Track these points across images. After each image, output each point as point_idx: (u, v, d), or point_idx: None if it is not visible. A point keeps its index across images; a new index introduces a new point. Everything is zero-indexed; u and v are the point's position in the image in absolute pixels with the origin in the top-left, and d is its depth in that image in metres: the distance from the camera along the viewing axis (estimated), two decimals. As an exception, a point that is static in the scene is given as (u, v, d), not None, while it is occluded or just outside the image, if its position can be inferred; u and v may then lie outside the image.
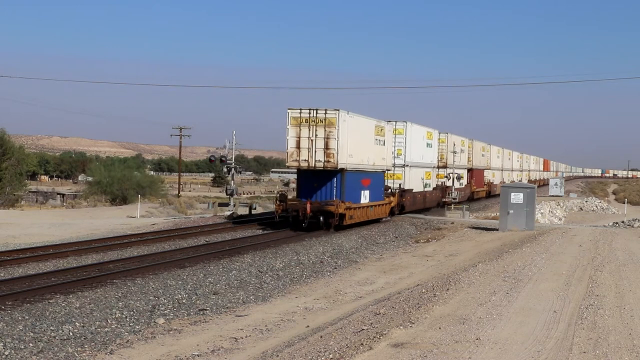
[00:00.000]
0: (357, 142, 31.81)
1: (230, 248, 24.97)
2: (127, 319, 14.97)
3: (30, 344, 12.78)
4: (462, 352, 10.23)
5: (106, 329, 14.17)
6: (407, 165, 40.46)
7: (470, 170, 59.58)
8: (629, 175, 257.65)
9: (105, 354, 12.74)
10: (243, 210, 40.59)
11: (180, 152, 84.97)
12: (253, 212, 39.91)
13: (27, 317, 14.20)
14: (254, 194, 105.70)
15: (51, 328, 13.69)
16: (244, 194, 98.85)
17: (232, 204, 39.33)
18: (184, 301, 17.00)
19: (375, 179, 35.20)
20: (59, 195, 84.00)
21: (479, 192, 64.93)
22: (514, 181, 77.19)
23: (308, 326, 14.50)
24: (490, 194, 68.56)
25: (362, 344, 10.93)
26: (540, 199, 57.24)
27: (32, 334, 13.27)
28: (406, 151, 40.22)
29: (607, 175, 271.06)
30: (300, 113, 30.33)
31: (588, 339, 11.13)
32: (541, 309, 13.31)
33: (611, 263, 20.10)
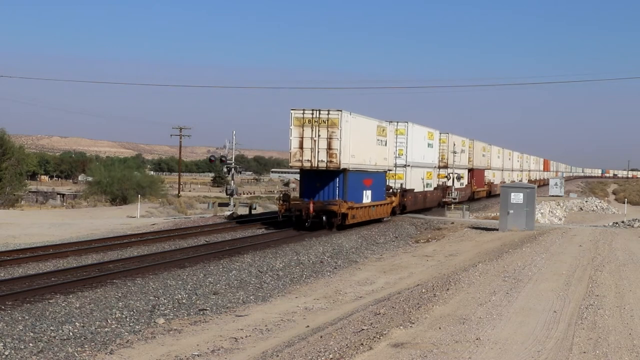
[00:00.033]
0: (359, 143, 32.02)
1: (230, 248, 24.97)
2: (127, 319, 14.97)
3: (30, 344, 12.78)
4: (462, 352, 10.23)
5: (106, 329, 14.17)
6: (409, 165, 40.62)
7: (471, 170, 59.73)
8: (629, 175, 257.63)
9: (105, 354, 12.74)
10: (243, 210, 40.63)
11: (180, 152, 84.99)
12: (253, 212, 39.95)
13: (27, 317, 14.20)
14: (254, 194, 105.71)
15: (51, 328, 13.69)
16: (244, 194, 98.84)
17: (232, 204, 39.34)
18: (184, 301, 17.00)
19: (377, 179, 35.37)
20: (59, 195, 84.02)
21: (480, 192, 65.15)
22: (514, 181, 77.26)
23: (308, 326, 14.50)
24: (490, 194, 68.74)
25: (362, 344, 10.93)
26: (540, 199, 57.24)
27: (32, 334, 13.27)
28: (407, 151, 40.40)
29: (607, 175, 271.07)
30: (303, 114, 30.56)
31: (588, 339, 11.13)
32: (541, 309, 13.31)
33: (611, 263, 20.10)
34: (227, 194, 39.96)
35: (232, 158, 37.88)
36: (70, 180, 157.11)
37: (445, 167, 50.53)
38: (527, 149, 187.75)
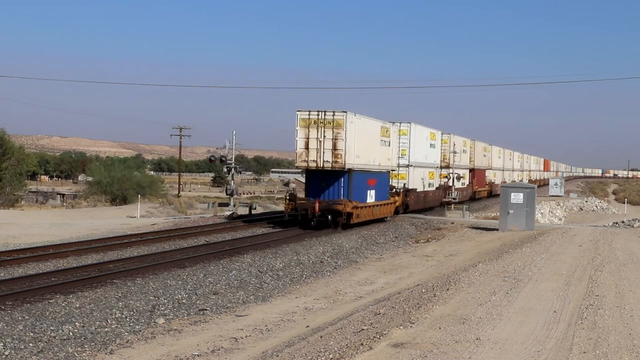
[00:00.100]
0: (363, 143, 32.37)
1: (230, 248, 24.97)
2: (127, 319, 14.97)
3: (30, 344, 12.78)
4: (462, 352, 10.23)
5: (106, 329, 14.17)
6: (411, 166, 40.83)
7: (472, 170, 59.88)
8: (629, 175, 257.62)
9: (105, 354, 12.73)
10: (243, 210, 40.67)
11: (180, 152, 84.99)
12: (253, 212, 39.97)
13: (27, 317, 14.20)
14: (254, 194, 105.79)
15: (51, 328, 13.69)
16: (243, 194, 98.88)
17: (232, 204, 39.36)
18: (184, 301, 16.99)
19: (381, 178, 35.73)
20: (59, 195, 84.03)
21: (481, 192, 65.37)
22: (514, 181, 77.29)
23: (308, 326, 14.50)
24: (491, 194, 68.89)
25: (362, 344, 10.93)
26: (540, 199, 57.25)
27: (32, 334, 13.27)
28: (410, 151, 40.63)
29: (607, 175, 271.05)
30: (309, 115, 30.86)
31: (588, 339, 11.13)
32: (541, 309, 13.31)
33: (611, 263, 20.10)
34: (227, 194, 40.00)
35: (232, 158, 37.91)
36: (70, 180, 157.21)
37: (447, 167, 50.69)
38: (527, 149, 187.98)
